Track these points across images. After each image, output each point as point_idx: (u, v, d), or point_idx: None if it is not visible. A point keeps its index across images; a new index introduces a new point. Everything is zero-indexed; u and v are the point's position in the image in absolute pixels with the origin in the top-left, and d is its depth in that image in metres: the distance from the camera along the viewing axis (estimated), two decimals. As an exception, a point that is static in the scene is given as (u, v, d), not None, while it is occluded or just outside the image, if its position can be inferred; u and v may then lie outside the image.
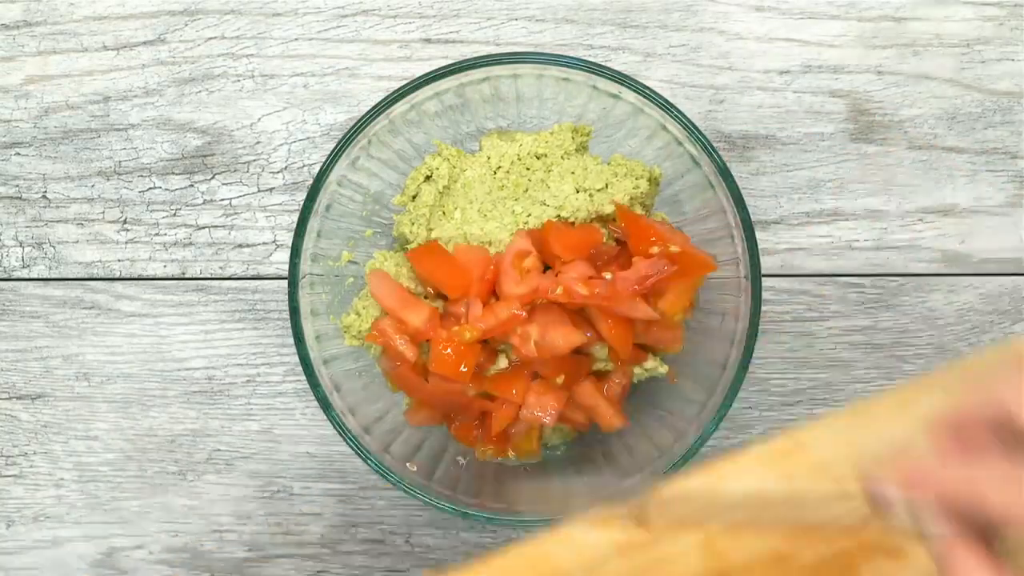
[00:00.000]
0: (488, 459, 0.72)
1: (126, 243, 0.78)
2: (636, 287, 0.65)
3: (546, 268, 0.67)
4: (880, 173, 0.78)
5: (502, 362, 0.68)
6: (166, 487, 0.78)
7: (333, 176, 0.67)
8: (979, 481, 0.42)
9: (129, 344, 0.78)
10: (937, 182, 0.78)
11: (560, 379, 0.67)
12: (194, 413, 0.78)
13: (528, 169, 0.70)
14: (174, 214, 0.78)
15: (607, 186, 0.68)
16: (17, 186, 0.78)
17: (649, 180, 0.70)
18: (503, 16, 0.78)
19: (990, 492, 0.41)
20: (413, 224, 0.69)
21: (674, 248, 0.66)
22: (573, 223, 0.68)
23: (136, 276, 0.78)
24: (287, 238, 0.78)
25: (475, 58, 0.66)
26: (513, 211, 0.68)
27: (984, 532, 0.42)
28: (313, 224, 0.67)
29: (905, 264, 0.78)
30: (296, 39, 0.78)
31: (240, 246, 0.78)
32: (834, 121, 0.78)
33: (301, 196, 0.78)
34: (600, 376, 0.70)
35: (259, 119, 0.78)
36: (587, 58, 0.67)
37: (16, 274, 0.78)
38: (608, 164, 0.70)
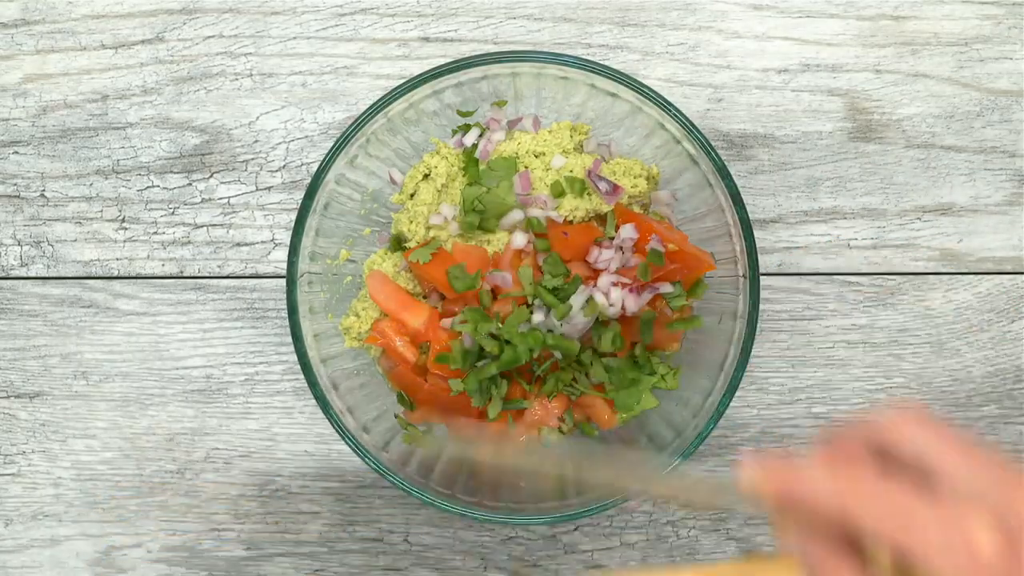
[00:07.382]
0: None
1: (124, 242, 0.78)
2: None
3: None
4: (878, 172, 0.78)
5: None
6: (164, 486, 0.78)
7: (331, 175, 0.67)
8: (852, 494, 0.40)
9: (127, 343, 0.78)
10: (935, 181, 0.78)
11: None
12: (192, 412, 0.78)
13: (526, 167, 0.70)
14: (172, 213, 0.78)
15: (605, 185, 0.68)
16: (15, 185, 0.78)
17: (647, 179, 0.70)
18: (501, 15, 0.78)
19: (862, 506, 0.40)
20: (411, 222, 0.69)
21: (672, 247, 0.67)
22: (571, 222, 0.68)
23: (134, 275, 0.78)
24: (285, 237, 0.78)
25: (473, 57, 0.66)
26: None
27: (857, 546, 0.40)
28: (311, 222, 0.67)
29: (903, 263, 0.78)
30: (294, 38, 0.78)
31: (238, 245, 0.78)
32: (832, 120, 0.78)
33: (299, 195, 0.78)
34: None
35: (257, 118, 0.78)
36: (585, 57, 0.67)
37: (14, 273, 0.78)
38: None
